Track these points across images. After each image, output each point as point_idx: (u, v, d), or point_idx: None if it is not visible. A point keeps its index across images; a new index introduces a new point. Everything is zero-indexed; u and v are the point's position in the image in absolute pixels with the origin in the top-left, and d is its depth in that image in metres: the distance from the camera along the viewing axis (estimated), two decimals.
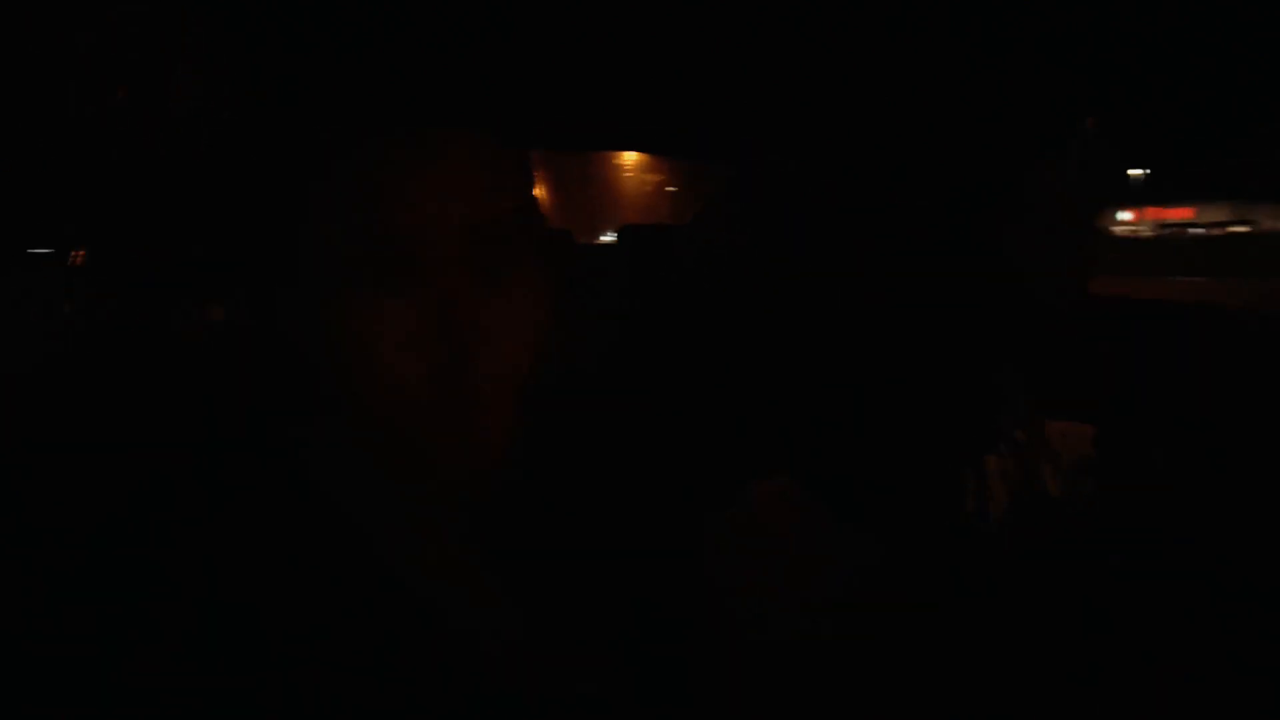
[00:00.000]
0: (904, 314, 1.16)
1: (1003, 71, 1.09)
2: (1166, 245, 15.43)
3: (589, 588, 0.56)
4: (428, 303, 0.47)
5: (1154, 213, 17.59)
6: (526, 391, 0.51)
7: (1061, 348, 1.03)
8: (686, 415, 0.66)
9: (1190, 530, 0.99)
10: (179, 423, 0.61)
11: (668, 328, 1.40)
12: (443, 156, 0.49)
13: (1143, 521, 1.00)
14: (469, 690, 0.50)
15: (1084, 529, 1.02)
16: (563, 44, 0.83)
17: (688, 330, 1.38)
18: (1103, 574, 0.99)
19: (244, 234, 0.52)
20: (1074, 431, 1.00)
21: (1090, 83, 1.13)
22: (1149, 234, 17.21)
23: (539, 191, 0.56)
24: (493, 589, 0.54)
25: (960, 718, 0.90)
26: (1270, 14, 0.87)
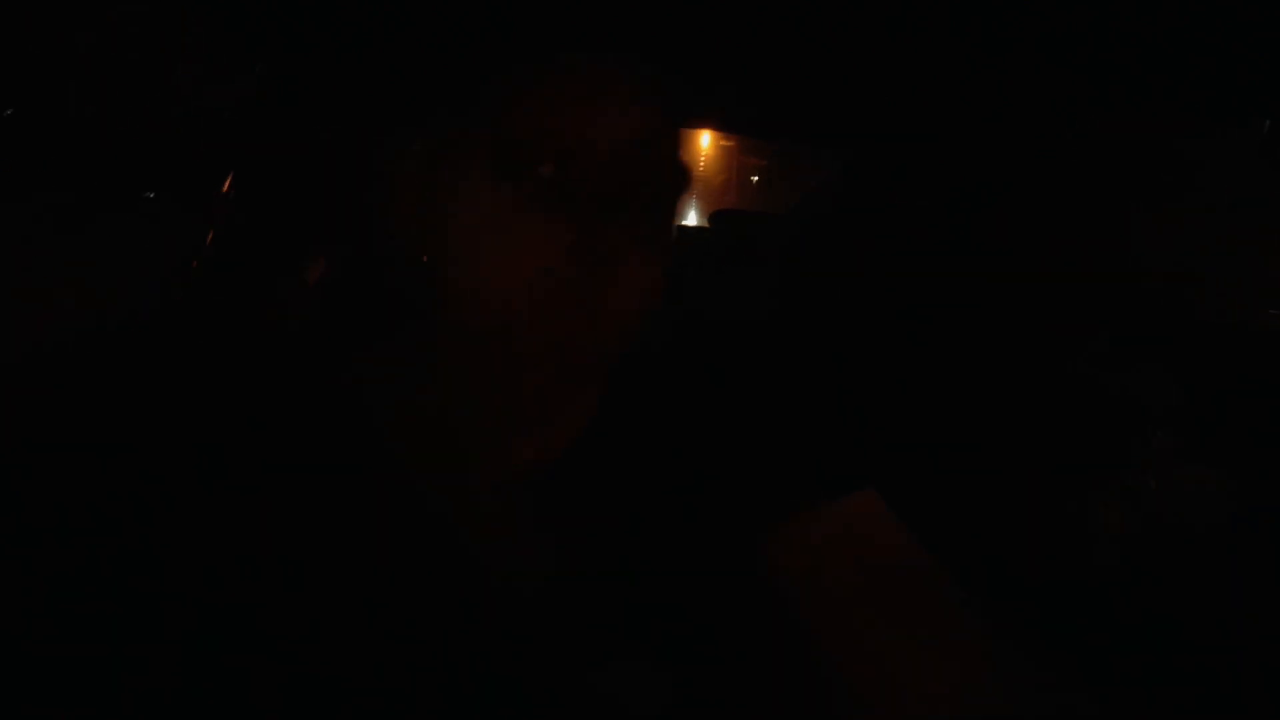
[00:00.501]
0: (1022, 317, 1.08)
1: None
2: None
3: (636, 571, 0.55)
4: (568, 224, 0.47)
5: None
6: (632, 347, 0.50)
7: (1218, 375, 0.92)
8: (766, 412, 0.62)
9: None
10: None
11: (756, 319, 1.35)
12: (592, 86, 0.49)
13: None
14: (501, 646, 0.50)
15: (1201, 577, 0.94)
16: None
17: (777, 324, 1.33)
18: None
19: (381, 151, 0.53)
20: (1212, 481, 0.91)
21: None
22: None
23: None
24: (539, 550, 0.53)
25: None
26: None
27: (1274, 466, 0.89)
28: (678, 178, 0.54)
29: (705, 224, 1.84)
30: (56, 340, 0.72)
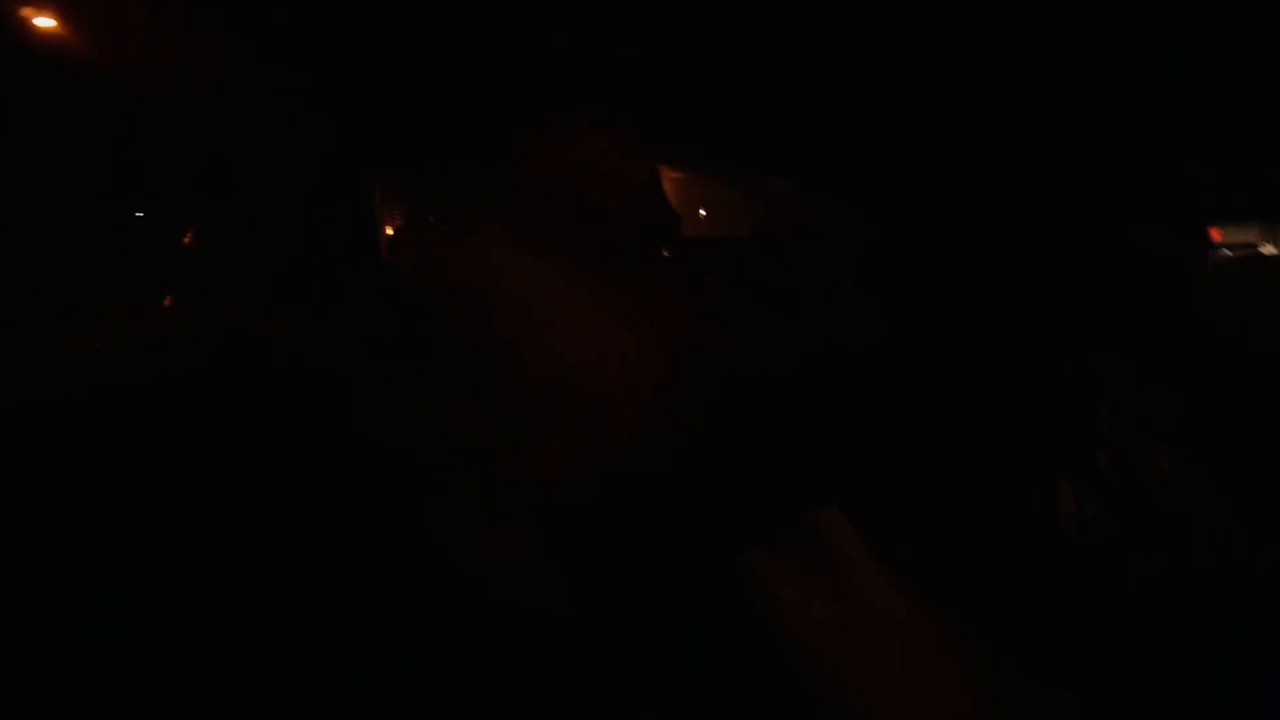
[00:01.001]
0: (1000, 324, 1.14)
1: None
2: None
3: (636, 588, 0.58)
4: (592, 269, 0.49)
5: None
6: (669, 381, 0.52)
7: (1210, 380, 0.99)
8: (759, 431, 0.65)
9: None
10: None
11: (733, 342, 1.38)
12: (599, 141, 0.51)
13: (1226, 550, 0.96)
14: (507, 660, 0.52)
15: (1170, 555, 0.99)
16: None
17: (755, 345, 1.36)
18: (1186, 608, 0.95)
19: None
20: (1172, 456, 0.96)
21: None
22: None
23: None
24: (546, 572, 0.56)
25: None
26: None
27: (1267, 467, 0.95)
28: (674, 221, 0.57)
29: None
30: (57, 343, 0.72)
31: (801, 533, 0.56)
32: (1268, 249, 1.68)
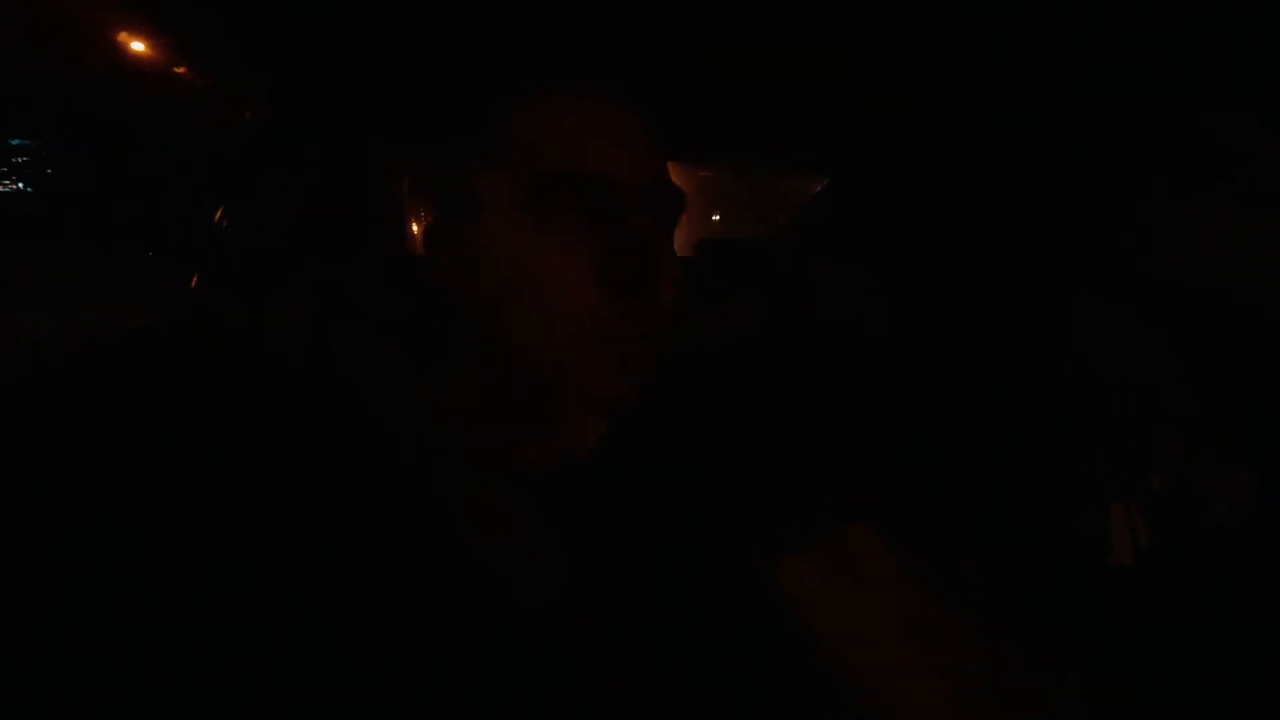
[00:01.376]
0: (1024, 324, 1.10)
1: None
2: None
3: (646, 583, 0.56)
4: (613, 239, 0.50)
5: None
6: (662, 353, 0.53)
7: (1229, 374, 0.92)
8: (769, 433, 0.63)
9: None
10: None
11: (751, 343, 1.35)
12: (593, 118, 0.52)
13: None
14: (506, 641, 0.51)
15: (1222, 586, 0.94)
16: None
17: (773, 346, 1.33)
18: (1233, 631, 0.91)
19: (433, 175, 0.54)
20: (1227, 479, 0.91)
21: None
22: None
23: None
24: (547, 552, 0.55)
25: None
26: None
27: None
28: (676, 206, 0.56)
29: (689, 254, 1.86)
30: (58, 344, 0.72)
31: (824, 535, 0.54)
32: None
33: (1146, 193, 0.92)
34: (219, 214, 0.99)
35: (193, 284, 0.97)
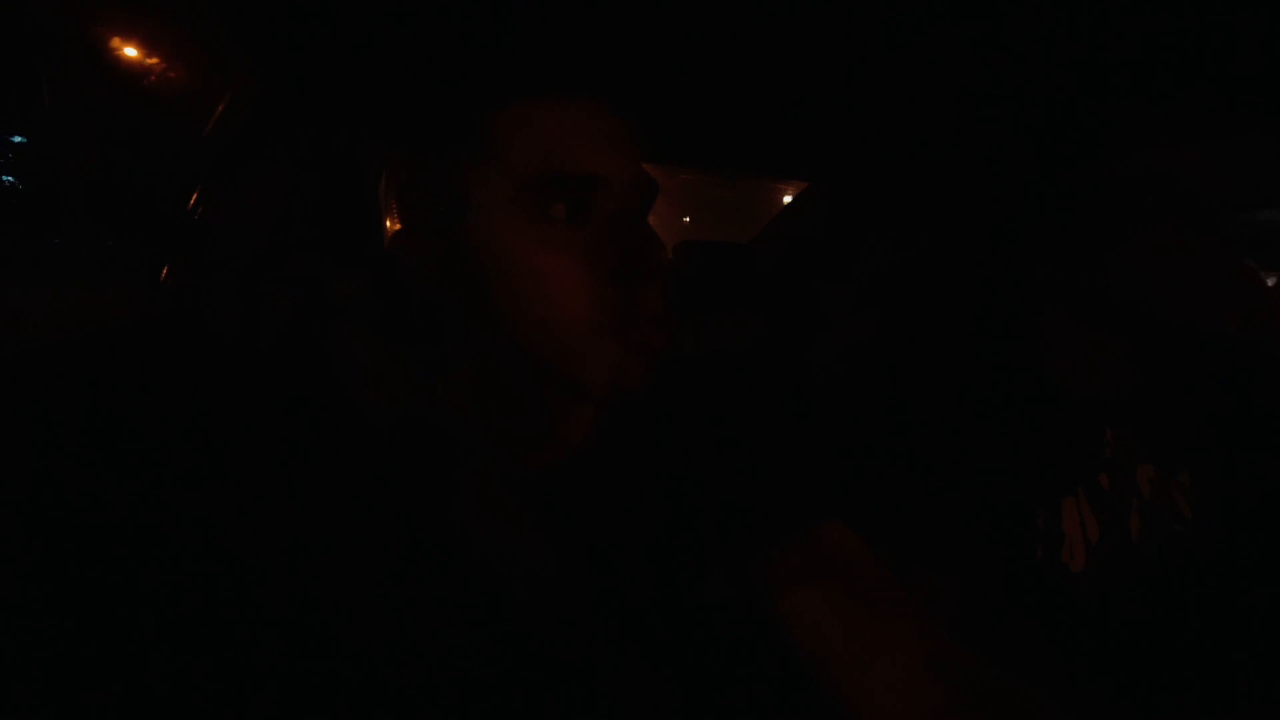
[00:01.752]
0: (983, 336, 1.13)
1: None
2: None
3: (636, 583, 0.57)
4: (605, 241, 0.51)
5: None
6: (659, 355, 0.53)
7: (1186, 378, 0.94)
8: (753, 439, 0.64)
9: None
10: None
11: (744, 349, 1.38)
12: (611, 122, 0.54)
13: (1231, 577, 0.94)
14: (505, 639, 0.51)
15: (1168, 581, 0.97)
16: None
17: (761, 351, 1.36)
18: (1180, 631, 0.94)
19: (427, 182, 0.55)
20: (1167, 479, 0.95)
21: None
22: None
23: None
24: (542, 549, 0.55)
25: None
26: None
27: (1245, 471, 0.92)
28: (652, 196, 0.58)
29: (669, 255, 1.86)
30: (59, 345, 0.71)
31: (807, 538, 0.55)
32: None
33: (1106, 221, 0.96)
34: (204, 208, 0.99)
35: (163, 277, 0.97)
